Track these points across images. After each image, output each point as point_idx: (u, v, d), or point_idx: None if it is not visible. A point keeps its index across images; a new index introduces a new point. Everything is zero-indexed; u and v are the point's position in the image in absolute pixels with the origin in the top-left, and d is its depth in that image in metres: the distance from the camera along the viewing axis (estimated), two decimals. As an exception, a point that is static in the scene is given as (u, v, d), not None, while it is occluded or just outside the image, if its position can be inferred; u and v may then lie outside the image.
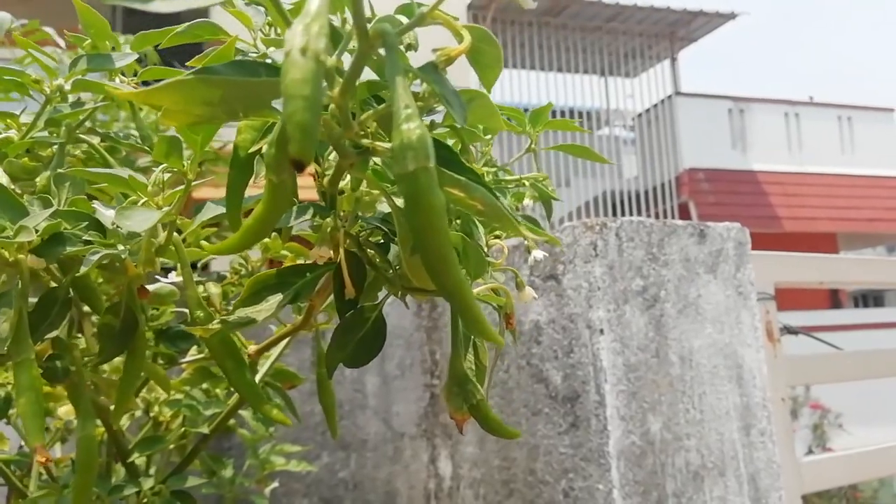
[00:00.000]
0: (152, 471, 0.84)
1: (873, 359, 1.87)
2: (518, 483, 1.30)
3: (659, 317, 1.26)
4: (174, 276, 0.63)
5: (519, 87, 9.87)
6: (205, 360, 0.83)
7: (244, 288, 0.53)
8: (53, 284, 0.54)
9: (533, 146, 0.68)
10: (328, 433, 1.79)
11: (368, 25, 0.39)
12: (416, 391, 1.56)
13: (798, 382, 1.70)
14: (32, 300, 0.53)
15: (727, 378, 1.31)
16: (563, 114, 9.65)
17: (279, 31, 0.59)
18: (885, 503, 4.75)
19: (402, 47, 0.45)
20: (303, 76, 0.32)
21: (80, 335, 0.61)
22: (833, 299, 11.73)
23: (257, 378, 0.74)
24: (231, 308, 0.54)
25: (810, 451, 5.56)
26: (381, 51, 0.41)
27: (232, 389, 0.95)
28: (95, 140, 0.66)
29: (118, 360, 0.66)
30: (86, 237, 0.51)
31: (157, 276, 0.60)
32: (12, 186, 0.52)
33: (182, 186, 0.54)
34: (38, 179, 0.58)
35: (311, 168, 0.50)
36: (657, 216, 9.84)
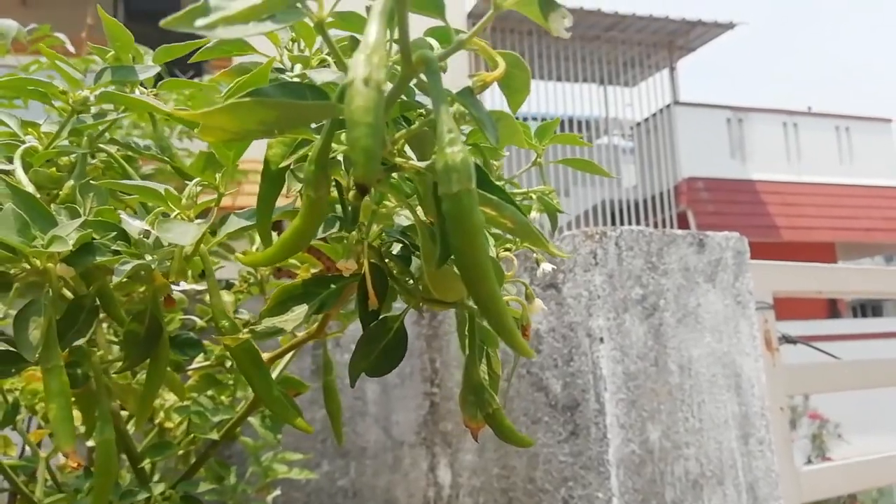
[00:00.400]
0: (156, 477, 0.85)
1: (871, 368, 1.87)
2: (517, 491, 1.31)
3: (658, 325, 1.27)
4: (185, 285, 0.64)
5: (518, 96, 9.88)
6: (210, 368, 0.84)
7: (270, 298, 0.54)
8: (67, 292, 0.55)
9: (539, 160, 0.70)
10: (328, 441, 1.79)
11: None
12: (416, 399, 1.56)
13: (796, 392, 1.70)
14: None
15: (726, 387, 1.31)
16: (562, 122, 9.68)
17: (303, 46, 0.60)
18: (884, 512, 4.75)
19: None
20: (366, 105, 0.34)
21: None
22: (831, 309, 11.74)
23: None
24: (253, 318, 0.55)
25: (809, 461, 5.57)
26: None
27: (237, 397, 0.96)
28: (114, 150, 0.67)
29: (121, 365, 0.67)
30: (114, 247, 0.52)
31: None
32: (38, 195, 0.53)
33: (213, 198, 0.56)
34: (62, 189, 0.59)
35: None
36: (656, 225, 9.85)
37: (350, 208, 0.52)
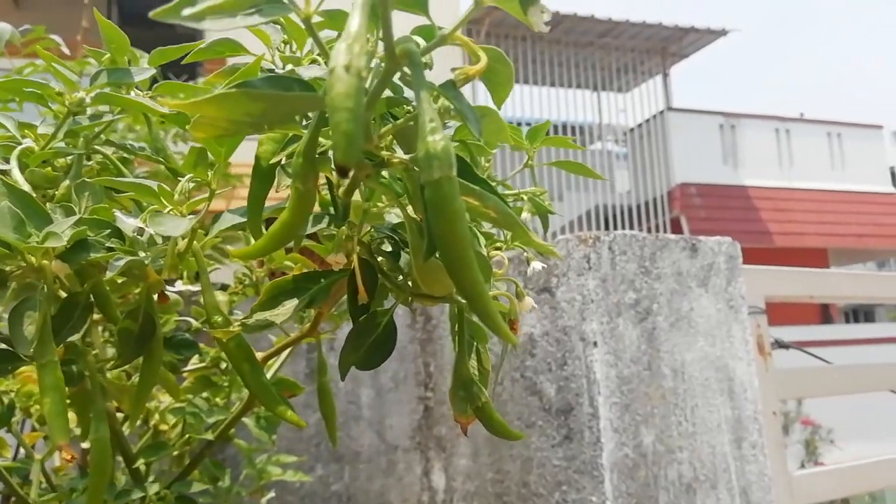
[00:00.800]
0: (150, 478, 0.85)
1: (863, 373, 1.88)
2: (512, 496, 1.31)
3: (651, 330, 1.27)
4: (180, 286, 0.65)
5: (513, 101, 9.92)
6: (206, 370, 0.85)
7: (262, 293, 0.55)
8: (61, 292, 0.55)
9: (530, 162, 0.70)
10: (322, 445, 1.79)
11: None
12: (410, 403, 1.56)
13: (789, 396, 1.71)
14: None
15: (719, 391, 1.32)
16: (556, 128, 9.72)
17: (294, 47, 0.61)
18: (876, 518, 4.77)
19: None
20: (346, 90, 0.35)
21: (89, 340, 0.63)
22: (824, 314, 11.78)
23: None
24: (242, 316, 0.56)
25: (802, 466, 5.58)
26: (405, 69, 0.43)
27: (231, 399, 0.96)
28: (109, 150, 0.67)
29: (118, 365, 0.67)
30: (108, 244, 0.53)
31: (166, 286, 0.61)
32: (34, 195, 0.53)
33: (206, 196, 0.57)
34: (58, 188, 0.60)
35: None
36: (649, 230, 9.89)
37: (340, 204, 0.52)
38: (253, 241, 0.53)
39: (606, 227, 10.21)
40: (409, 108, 0.50)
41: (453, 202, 0.41)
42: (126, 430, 0.75)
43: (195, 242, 0.57)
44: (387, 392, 1.63)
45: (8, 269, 0.51)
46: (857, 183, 11.00)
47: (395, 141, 0.49)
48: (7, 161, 0.59)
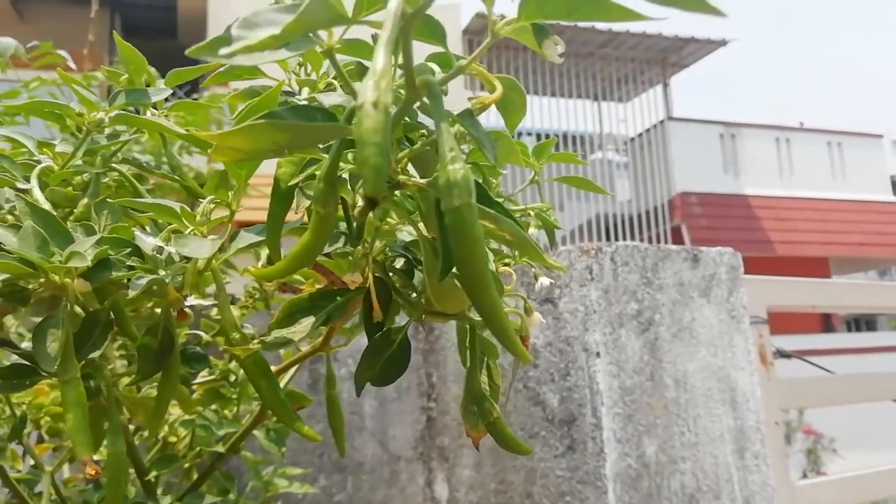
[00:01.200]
0: (159, 491, 0.86)
1: (865, 382, 1.89)
2: (515, 505, 1.31)
3: (654, 340, 1.28)
4: (193, 300, 0.66)
5: (513, 111, 9.94)
6: (215, 382, 0.86)
7: (279, 311, 0.57)
8: (75, 307, 0.56)
9: (537, 178, 0.72)
10: (325, 456, 1.80)
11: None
12: (413, 414, 1.57)
13: (791, 406, 1.72)
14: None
15: (721, 401, 1.33)
16: (556, 137, 9.74)
17: (310, 70, 0.62)
18: (879, 528, 4.75)
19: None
20: (374, 126, 0.37)
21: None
22: (826, 323, 11.77)
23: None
24: (259, 332, 0.57)
25: (805, 476, 5.57)
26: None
27: (241, 411, 0.97)
28: (125, 168, 0.69)
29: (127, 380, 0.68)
30: (129, 263, 0.54)
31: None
32: (54, 213, 0.55)
33: (225, 215, 0.58)
34: (77, 207, 0.61)
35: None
36: (650, 240, 9.89)
37: (355, 224, 0.54)
38: (271, 255, 0.54)
39: (607, 237, 10.22)
40: (423, 131, 0.52)
41: (473, 228, 0.43)
42: (137, 441, 0.76)
43: (213, 260, 0.58)
44: (390, 402, 1.64)
45: (31, 286, 0.52)
46: (858, 192, 11.02)
47: (410, 163, 0.51)
48: (28, 180, 0.60)
